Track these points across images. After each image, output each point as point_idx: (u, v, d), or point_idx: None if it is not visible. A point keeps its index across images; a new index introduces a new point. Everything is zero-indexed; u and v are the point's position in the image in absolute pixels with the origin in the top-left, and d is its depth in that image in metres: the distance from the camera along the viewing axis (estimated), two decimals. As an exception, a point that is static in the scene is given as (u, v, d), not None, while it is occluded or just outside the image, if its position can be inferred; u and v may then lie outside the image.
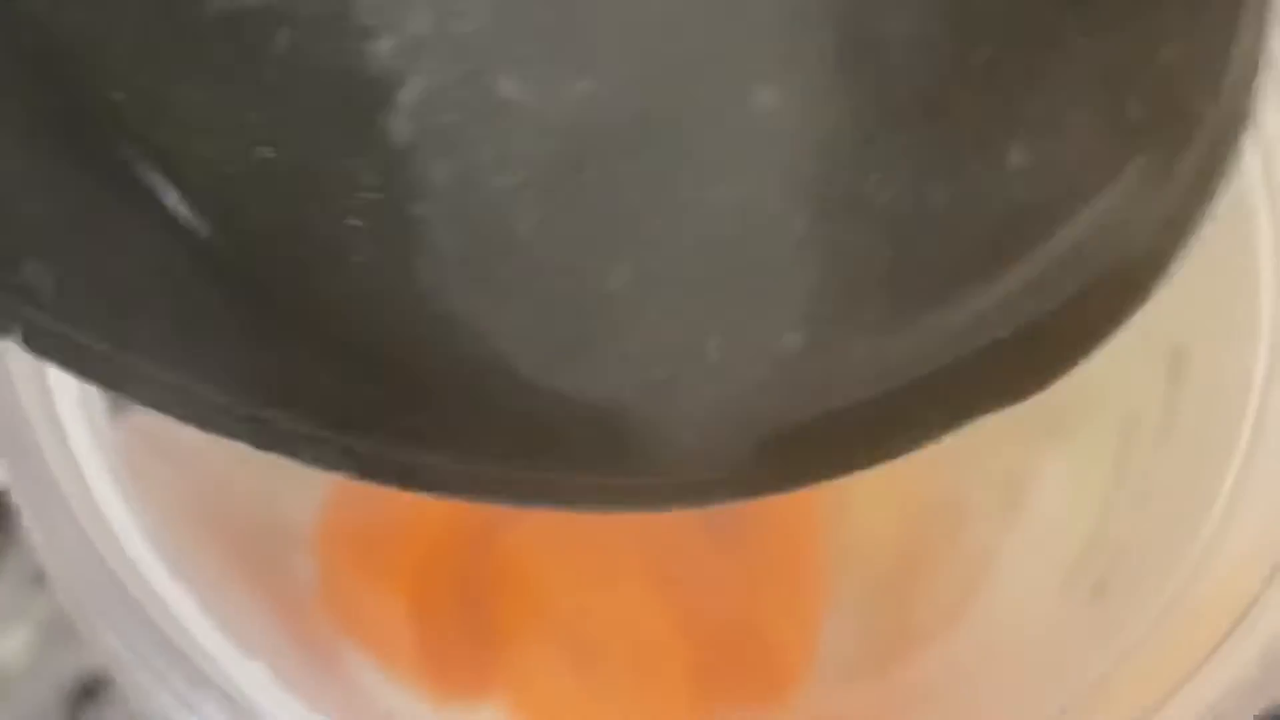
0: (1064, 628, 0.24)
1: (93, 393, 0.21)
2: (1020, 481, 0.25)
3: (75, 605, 0.21)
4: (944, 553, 0.25)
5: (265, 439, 0.18)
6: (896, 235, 0.18)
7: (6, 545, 0.29)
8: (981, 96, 0.18)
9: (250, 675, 0.21)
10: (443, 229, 0.17)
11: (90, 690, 0.29)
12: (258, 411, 0.18)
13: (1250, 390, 0.22)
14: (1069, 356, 0.19)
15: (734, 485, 0.19)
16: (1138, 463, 0.24)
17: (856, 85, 0.17)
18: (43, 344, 0.18)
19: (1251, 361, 0.22)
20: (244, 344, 0.18)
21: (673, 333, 0.18)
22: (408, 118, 0.17)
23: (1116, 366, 0.24)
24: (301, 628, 0.23)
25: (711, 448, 0.18)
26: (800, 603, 0.25)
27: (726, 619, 0.25)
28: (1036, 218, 0.18)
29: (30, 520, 0.20)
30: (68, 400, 0.21)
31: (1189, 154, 0.18)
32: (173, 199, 0.18)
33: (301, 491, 0.24)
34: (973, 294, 0.18)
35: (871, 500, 0.25)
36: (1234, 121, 0.18)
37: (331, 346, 0.18)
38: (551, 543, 0.25)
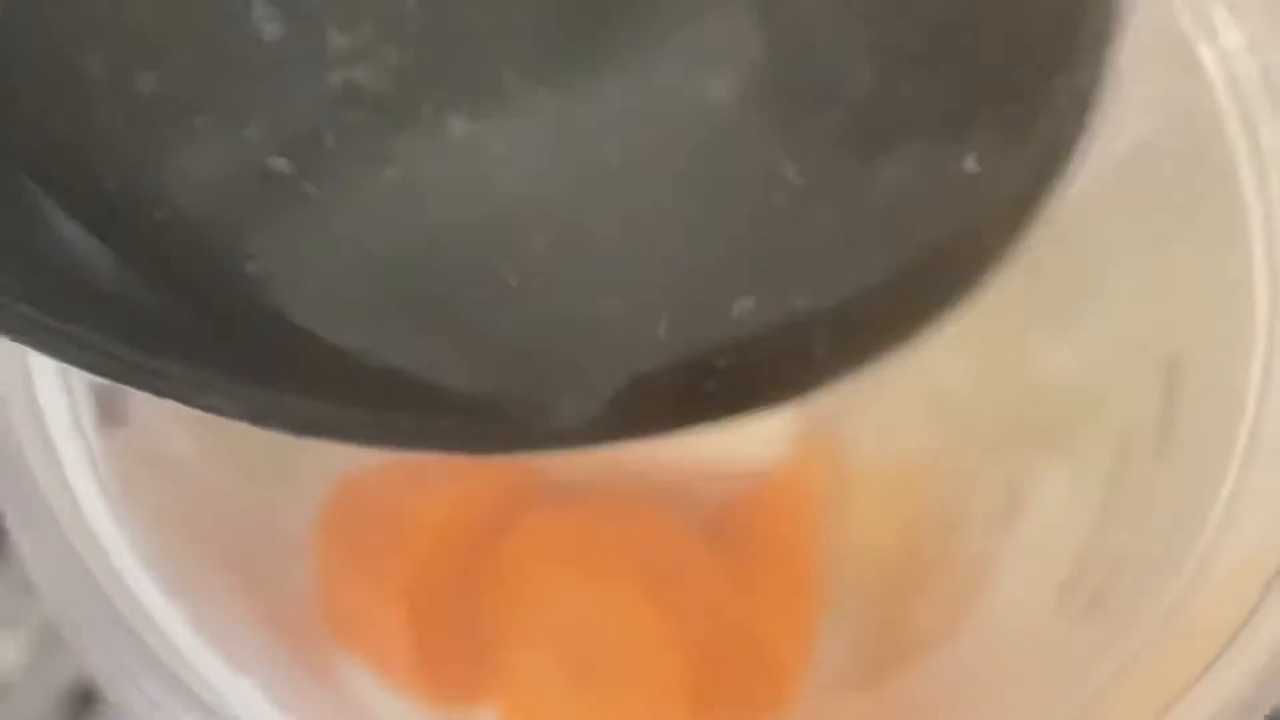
0: (1061, 638, 0.23)
1: (82, 405, 0.21)
2: (1018, 492, 0.25)
3: (64, 619, 0.20)
4: (941, 562, 0.25)
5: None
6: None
7: (2, 551, 0.29)
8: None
9: (241, 692, 0.21)
10: None
11: (87, 696, 0.29)
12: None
13: (1246, 401, 0.22)
14: (935, 309, 0.19)
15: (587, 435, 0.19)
16: (1134, 473, 0.24)
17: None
18: None
19: (1247, 373, 0.22)
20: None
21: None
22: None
23: (1113, 377, 0.24)
24: (296, 639, 0.23)
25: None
26: (796, 612, 0.25)
27: (723, 628, 0.25)
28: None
29: (18, 533, 0.20)
30: (57, 412, 0.21)
31: (1039, 127, 0.19)
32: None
33: (296, 501, 0.24)
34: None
35: (869, 509, 0.25)
36: (1083, 99, 0.19)
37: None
38: (547, 551, 0.25)
